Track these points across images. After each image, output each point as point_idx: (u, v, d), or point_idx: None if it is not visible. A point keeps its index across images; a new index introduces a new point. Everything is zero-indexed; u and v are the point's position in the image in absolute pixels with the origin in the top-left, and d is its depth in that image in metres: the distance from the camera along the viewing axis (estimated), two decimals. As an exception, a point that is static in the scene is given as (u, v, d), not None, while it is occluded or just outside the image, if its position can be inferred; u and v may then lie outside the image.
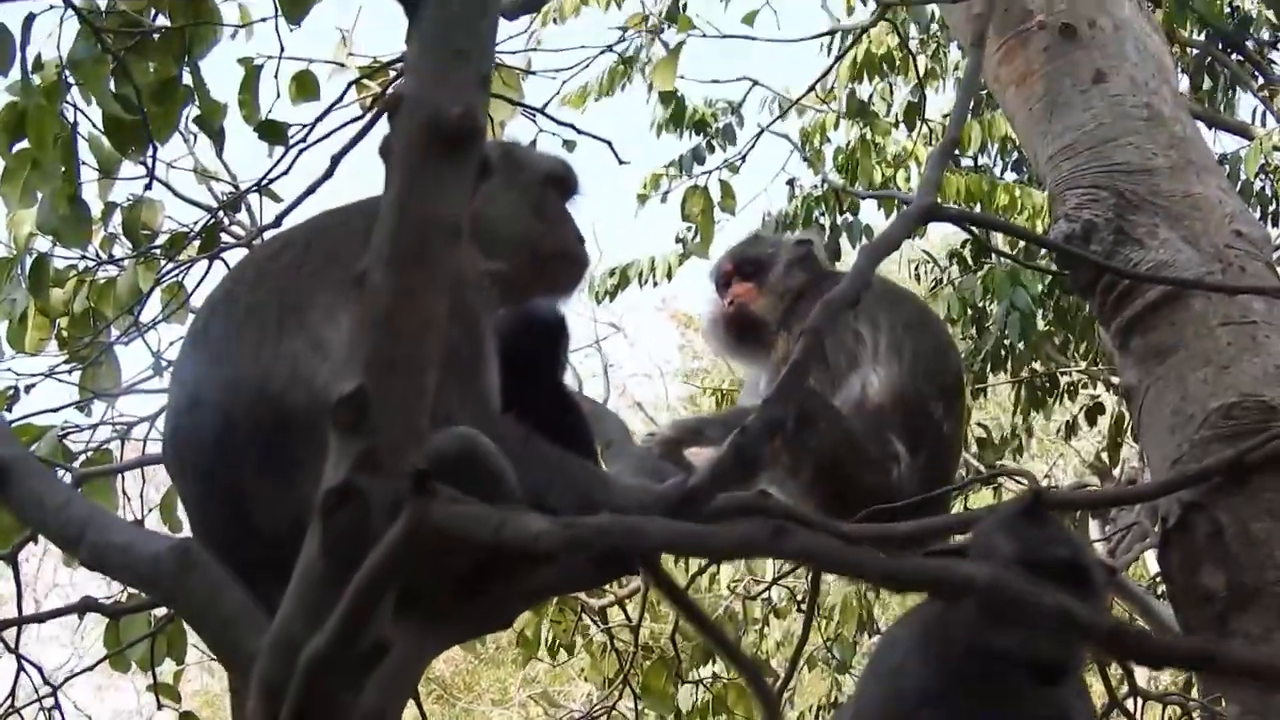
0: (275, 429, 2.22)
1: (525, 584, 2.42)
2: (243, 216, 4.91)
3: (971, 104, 6.84)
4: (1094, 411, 8.87)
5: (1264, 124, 9.69)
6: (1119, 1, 4.22)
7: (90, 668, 4.62)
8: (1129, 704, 4.08)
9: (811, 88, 8.29)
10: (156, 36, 4.21)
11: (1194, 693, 4.58)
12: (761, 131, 7.88)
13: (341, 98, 4.59)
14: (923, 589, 1.18)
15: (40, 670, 4.07)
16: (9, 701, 4.16)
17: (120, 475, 4.50)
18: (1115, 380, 7.12)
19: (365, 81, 4.87)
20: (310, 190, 4.12)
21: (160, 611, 4.24)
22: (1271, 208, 8.94)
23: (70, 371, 4.68)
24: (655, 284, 8.62)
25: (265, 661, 1.77)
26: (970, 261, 8.46)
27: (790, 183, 8.54)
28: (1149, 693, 4.54)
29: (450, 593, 2.27)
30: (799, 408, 2.93)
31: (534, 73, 5.34)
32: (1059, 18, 4.13)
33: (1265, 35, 9.89)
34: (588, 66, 6.70)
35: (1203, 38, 9.59)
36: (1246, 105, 10.01)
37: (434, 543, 1.48)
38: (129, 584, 2.86)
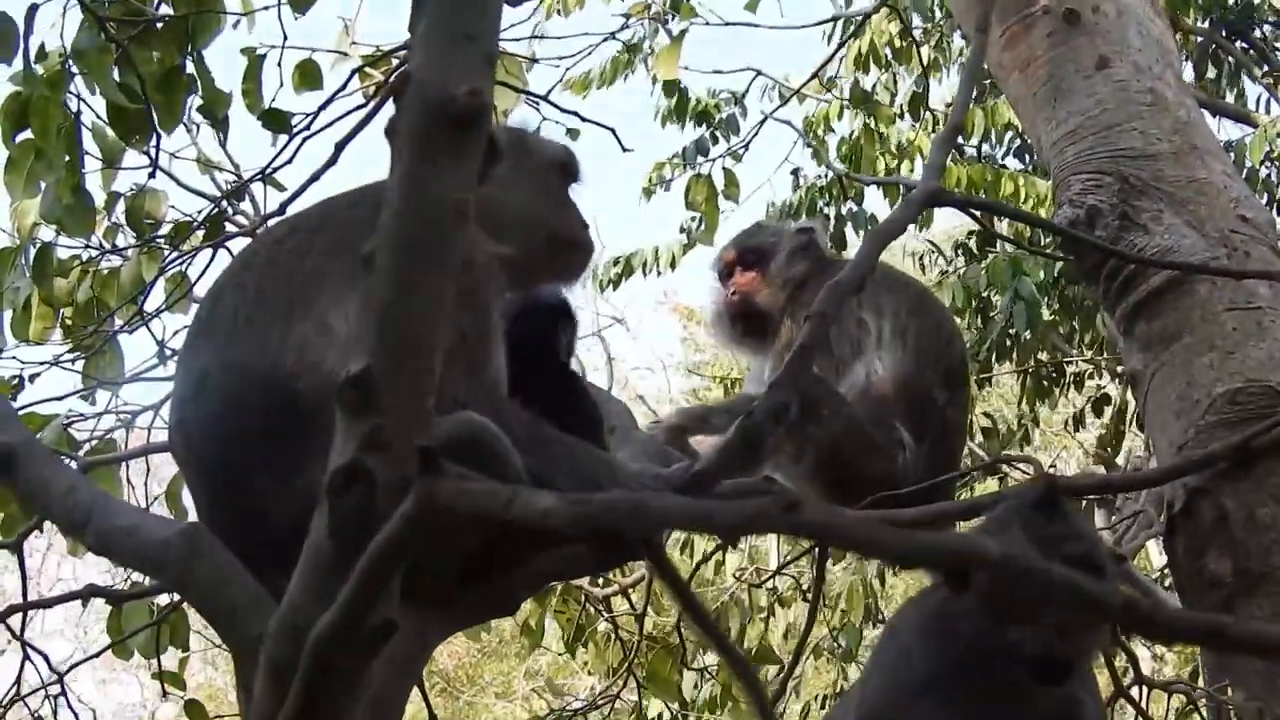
0: (283, 414, 2.22)
1: (529, 569, 2.43)
2: (246, 206, 4.90)
3: (975, 91, 6.83)
4: (1100, 403, 8.85)
5: (1268, 111, 9.68)
6: (1122, -13, 4.21)
7: (96, 655, 4.64)
8: (1134, 693, 4.07)
9: (815, 74, 8.28)
10: (160, 25, 4.21)
11: (1200, 682, 4.57)
12: (765, 119, 7.87)
13: (344, 86, 4.57)
14: (936, 565, 1.18)
15: (46, 658, 4.08)
16: (14, 690, 4.17)
17: (124, 464, 4.50)
18: (1121, 369, 7.12)
19: (368, 70, 4.85)
20: (314, 179, 4.12)
21: (163, 600, 4.25)
22: (1278, 195, 8.92)
23: (74, 361, 4.67)
24: (659, 274, 8.62)
25: (273, 642, 1.77)
26: (975, 251, 8.44)
27: (795, 172, 8.54)
28: (1154, 681, 4.52)
29: (455, 578, 2.27)
30: (804, 394, 2.92)
31: (537, 60, 5.33)
32: (1062, 3, 4.13)
33: (1270, 21, 9.86)
34: (591, 53, 6.70)
35: (1207, 25, 9.58)
36: (1252, 94, 10.01)
37: (442, 521, 1.48)
38: (136, 568, 2.87)
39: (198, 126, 4.73)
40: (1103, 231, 3.77)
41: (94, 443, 4.50)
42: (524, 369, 2.50)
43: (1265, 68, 9.82)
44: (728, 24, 7.42)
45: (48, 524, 4.07)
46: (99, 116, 4.27)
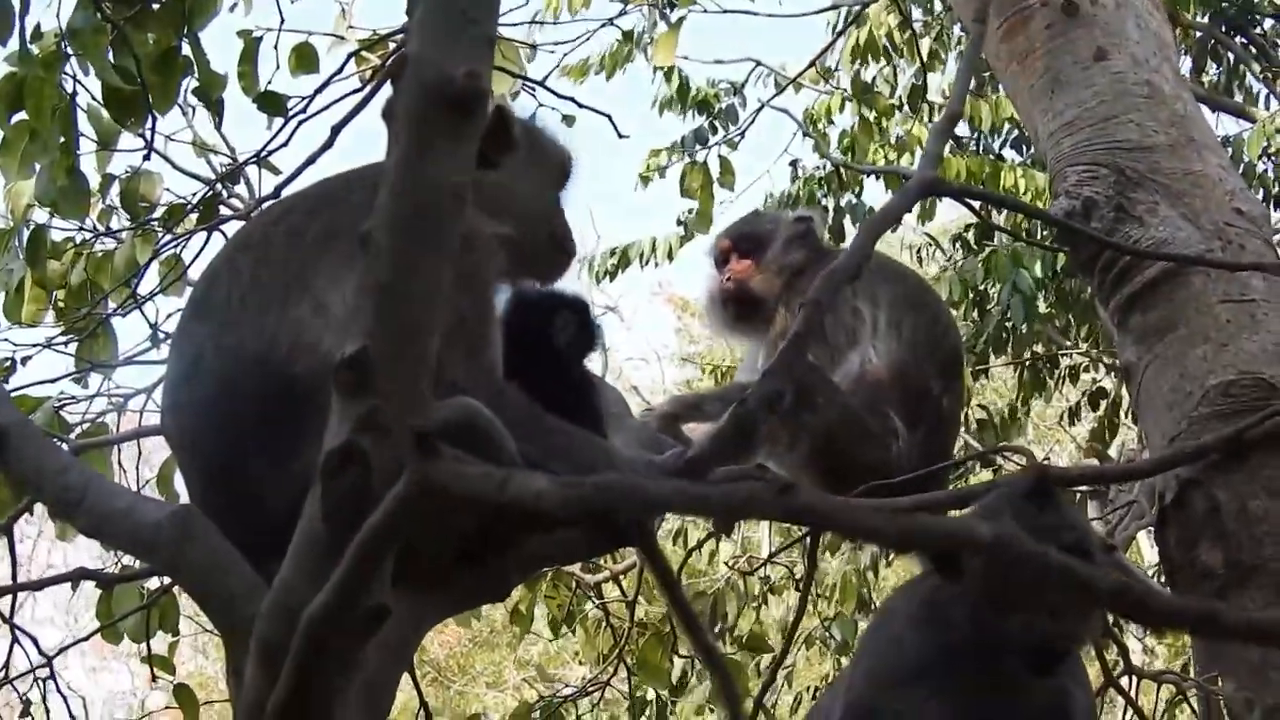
0: (279, 397, 2.21)
1: (521, 552, 2.42)
2: (241, 189, 4.89)
3: (973, 82, 6.82)
4: (1096, 396, 8.86)
5: (1267, 107, 9.67)
6: (1121, -21, 4.21)
7: (85, 639, 4.62)
8: (1124, 683, 4.07)
9: (812, 63, 8.27)
10: (156, 7, 4.19)
11: (1190, 672, 4.58)
12: (762, 106, 7.86)
13: (341, 70, 4.57)
14: (930, 549, 1.18)
15: (35, 641, 4.06)
16: (3, 673, 4.16)
17: (116, 447, 4.49)
18: (1117, 363, 7.12)
19: (365, 54, 4.84)
20: (309, 162, 4.11)
21: (153, 584, 4.24)
22: (1275, 190, 8.92)
23: (67, 343, 4.66)
24: (656, 265, 8.60)
25: (265, 624, 1.77)
26: (972, 244, 8.44)
27: (794, 163, 8.52)
28: (1144, 671, 4.52)
29: (449, 561, 2.27)
30: (798, 382, 2.91)
31: (536, 46, 5.32)
32: (1062, -5, 4.12)
33: (1270, 15, 9.86)
34: (589, 39, 6.69)
35: (1206, 21, 9.57)
36: (1252, 90, 9.98)
37: (436, 502, 1.47)
38: (128, 551, 2.85)
39: (193, 109, 4.73)
40: (1098, 223, 3.77)
41: (86, 426, 4.49)
42: (527, 359, 2.51)
43: (1265, 63, 9.81)
44: (725, 11, 7.41)
45: (39, 510, 4.07)
46: (94, 98, 4.26)
